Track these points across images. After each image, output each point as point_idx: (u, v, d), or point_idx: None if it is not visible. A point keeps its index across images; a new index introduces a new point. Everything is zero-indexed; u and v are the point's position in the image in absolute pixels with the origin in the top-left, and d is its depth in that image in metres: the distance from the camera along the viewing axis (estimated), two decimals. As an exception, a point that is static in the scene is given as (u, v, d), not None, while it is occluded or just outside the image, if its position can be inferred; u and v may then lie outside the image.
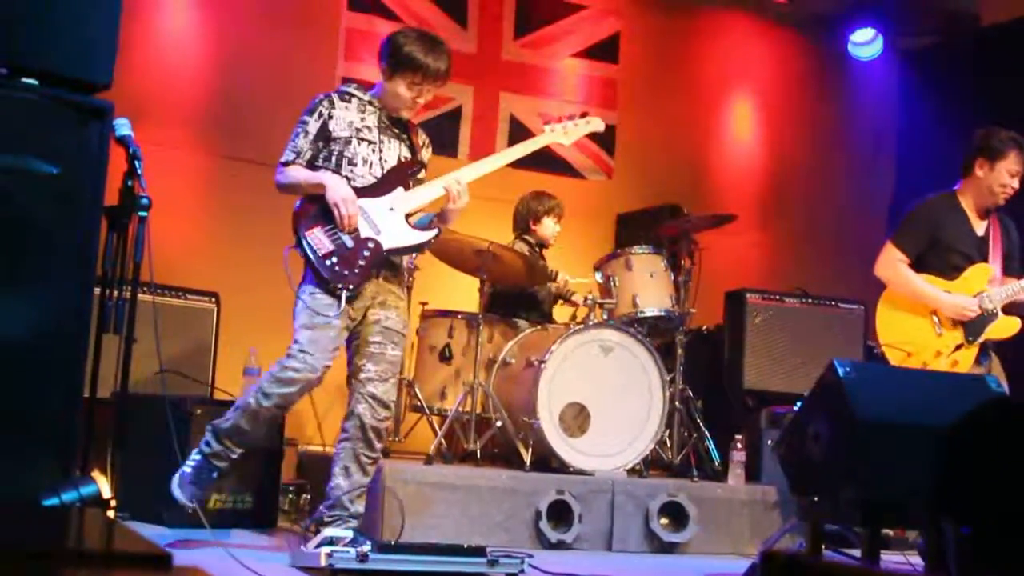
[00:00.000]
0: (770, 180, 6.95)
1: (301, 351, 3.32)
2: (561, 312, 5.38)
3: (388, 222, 3.41)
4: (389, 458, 4.57)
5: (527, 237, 5.20)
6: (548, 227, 5.19)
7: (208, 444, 3.43)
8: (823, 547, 3.16)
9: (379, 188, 3.45)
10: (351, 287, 3.34)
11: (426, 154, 3.66)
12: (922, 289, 4.12)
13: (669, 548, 4.18)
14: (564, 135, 3.75)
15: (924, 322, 4.11)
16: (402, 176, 3.50)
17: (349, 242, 3.35)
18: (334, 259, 3.34)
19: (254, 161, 4.88)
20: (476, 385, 4.43)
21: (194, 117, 5.41)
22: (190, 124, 5.39)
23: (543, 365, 4.30)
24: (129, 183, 2.76)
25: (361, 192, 3.41)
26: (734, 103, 6.99)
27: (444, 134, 5.87)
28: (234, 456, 3.44)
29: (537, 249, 5.23)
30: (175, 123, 5.34)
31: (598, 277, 4.84)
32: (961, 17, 6.73)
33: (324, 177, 3.39)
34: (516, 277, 4.82)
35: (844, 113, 7.13)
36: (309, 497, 4.40)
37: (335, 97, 3.50)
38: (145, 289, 2.80)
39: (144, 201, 2.74)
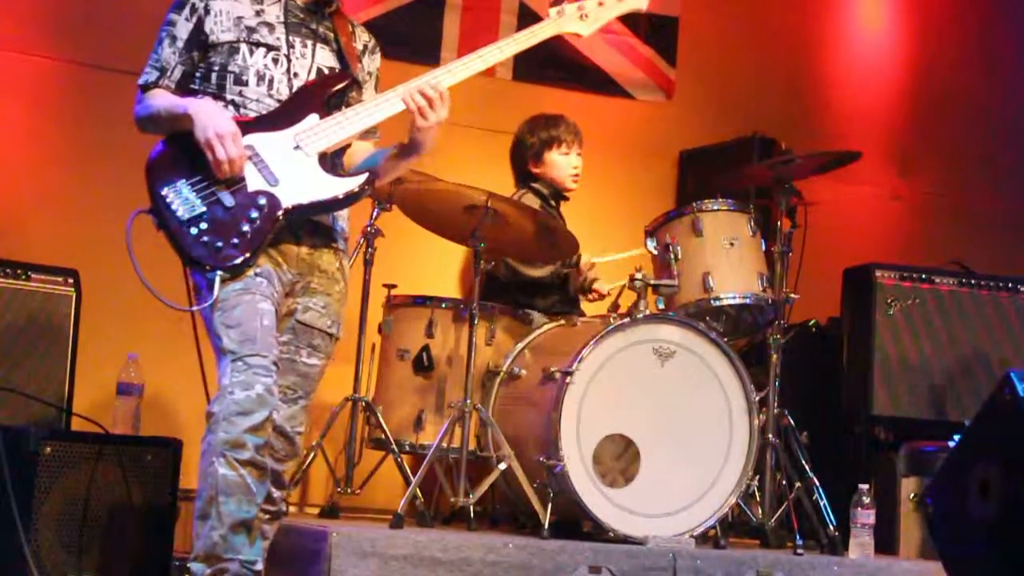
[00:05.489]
0: (915, 100, 6.91)
1: (238, 359, 3.26)
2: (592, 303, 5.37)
3: (291, 167, 3.37)
4: (338, 519, 4.57)
5: (536, 186, 5.19)
6: (557, 165, 5.16)
7: None
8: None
9: (280, 117, 3.43)
10: (233, 265, 3.29)
11: (370, 63, 3.65)
12: None
13: (759, 655, 4.20)
14: (580, 21, 3.68)
15: None
16: (317, 97, 3.47)
17: (228, 199, 3.33)
18: (202, 226, 3.29)
19: (129, 71, 4.85)
20: (468, 409, 4.43)
21: (36, 4, 5.37)
22: (29, 15, 5.35)
23: (569, 379, 4.30)
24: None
25: (252, 125, 3.39)
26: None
27: (420, 31, 5.85)
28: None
29: (553, 203, 5.21)
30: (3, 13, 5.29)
31: (651, 246, 4.84)
32: None
33: (190, 105, 3.38)
34: (527, 247, 4.82)
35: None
36: None
37: None
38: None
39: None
